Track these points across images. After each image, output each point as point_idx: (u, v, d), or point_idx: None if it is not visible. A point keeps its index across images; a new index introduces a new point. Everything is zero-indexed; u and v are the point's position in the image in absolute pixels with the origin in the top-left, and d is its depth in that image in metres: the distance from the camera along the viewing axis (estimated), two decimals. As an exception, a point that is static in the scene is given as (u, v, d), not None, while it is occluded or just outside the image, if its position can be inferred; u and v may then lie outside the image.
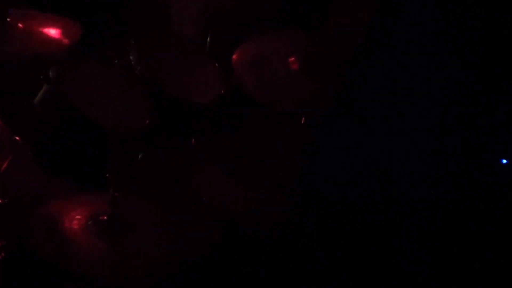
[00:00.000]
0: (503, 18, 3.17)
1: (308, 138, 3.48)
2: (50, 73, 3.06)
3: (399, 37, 3.34)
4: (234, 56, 3.30)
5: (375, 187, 3.37)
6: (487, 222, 3.29)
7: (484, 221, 3.29)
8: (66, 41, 3.23)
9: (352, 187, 3.38)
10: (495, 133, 3.39)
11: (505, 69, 3.25)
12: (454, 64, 3.34)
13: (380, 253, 3.24)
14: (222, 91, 3.29)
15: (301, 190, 3.37)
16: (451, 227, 3.26)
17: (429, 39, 3.33)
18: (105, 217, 2.67)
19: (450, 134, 3.38)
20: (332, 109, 3.39)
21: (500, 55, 3.24)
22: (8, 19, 3.19)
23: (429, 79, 3.36)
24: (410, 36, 3.32)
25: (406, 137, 3.36)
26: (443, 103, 3.38)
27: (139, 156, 3.24)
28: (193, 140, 3.32)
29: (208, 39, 3.57)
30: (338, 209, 3.32)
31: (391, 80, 3.38)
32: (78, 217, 2.67)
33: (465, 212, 3.28)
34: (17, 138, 2.96)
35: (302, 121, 3.46)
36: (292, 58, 3.27)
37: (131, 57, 3.19)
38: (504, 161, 3.42)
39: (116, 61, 3.24)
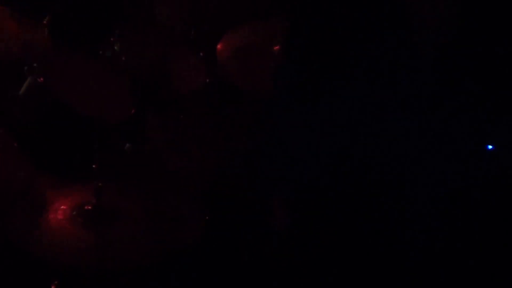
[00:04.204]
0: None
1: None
2: (35, 65, 3.06)
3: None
4: (218, 46, 3.31)
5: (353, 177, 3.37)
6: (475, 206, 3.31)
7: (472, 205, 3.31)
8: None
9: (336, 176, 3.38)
10: (481, 120, 3.41)
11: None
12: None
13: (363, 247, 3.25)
14: (207, 81, 3.30)
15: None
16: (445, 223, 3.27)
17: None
18: (90, 207, 2.68)
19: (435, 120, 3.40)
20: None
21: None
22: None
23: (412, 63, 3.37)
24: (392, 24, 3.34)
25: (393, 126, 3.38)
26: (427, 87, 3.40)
27: (125, 147, 3.24)
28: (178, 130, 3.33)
29: (193, 29, 3.57)
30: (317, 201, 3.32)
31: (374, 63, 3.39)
32: (63, 207, 2.68)
33: (456, 203, 3.31)
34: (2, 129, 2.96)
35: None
36: (277, 47, 3.28)
37: (115, 48, 3.19)
38: (490, 147, 3.43)
39: (100, 52, 3.24)
